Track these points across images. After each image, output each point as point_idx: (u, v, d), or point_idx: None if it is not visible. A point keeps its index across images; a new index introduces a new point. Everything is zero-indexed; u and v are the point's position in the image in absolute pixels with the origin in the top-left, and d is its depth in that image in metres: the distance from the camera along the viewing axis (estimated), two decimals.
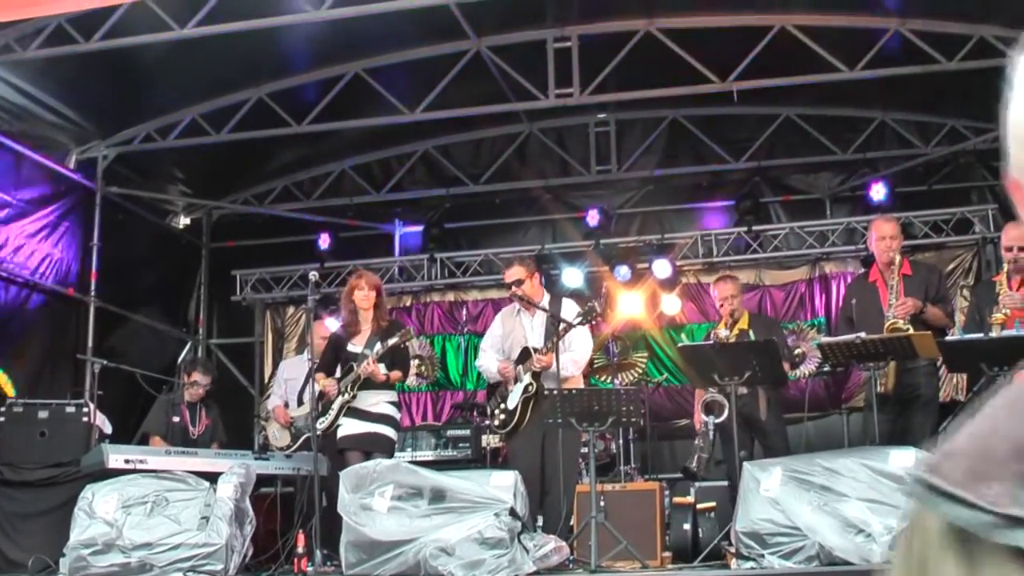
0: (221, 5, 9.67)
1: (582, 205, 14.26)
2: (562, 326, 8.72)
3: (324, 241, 14.54)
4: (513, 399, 8.95)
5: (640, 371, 12.45)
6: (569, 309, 9.04)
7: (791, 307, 13.38)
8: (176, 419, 10.58)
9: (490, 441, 11.14)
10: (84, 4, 9.15)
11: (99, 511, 8.08)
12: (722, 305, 9.63)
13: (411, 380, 13.31)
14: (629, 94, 11.99)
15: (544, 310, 9.00)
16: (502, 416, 9.03)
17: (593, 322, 9.21)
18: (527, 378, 8.90)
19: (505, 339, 9.32)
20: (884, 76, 11.20)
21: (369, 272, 9.91)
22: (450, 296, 14.57)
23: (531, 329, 9.15)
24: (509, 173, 14.26)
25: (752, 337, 9.28)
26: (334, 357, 9.36)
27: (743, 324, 9.57)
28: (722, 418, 8.93)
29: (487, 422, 9.68)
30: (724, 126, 13.68)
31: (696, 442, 9.64)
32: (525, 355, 9.00)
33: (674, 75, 11.53)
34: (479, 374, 11.54)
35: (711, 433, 9.19)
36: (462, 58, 11.77)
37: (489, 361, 9.33)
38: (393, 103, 12.05)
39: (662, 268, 13.25)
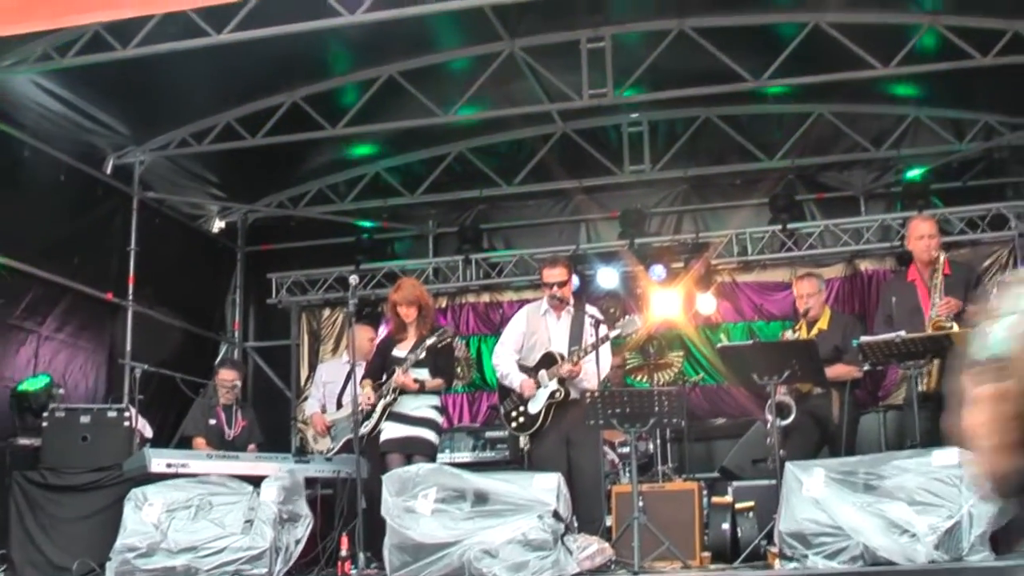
0: (256, 10, 9.70)
1: (616, 205, 14.23)
2: (601, 334, 8.61)
3: None
4: (537, 404, 8.90)
5: (676, 370, 12.44)
6: (596, 316, 8.93)
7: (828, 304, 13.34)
8: (212, 421, 10.66)
9: (528, 443, 11.05)
10: (123, 11, 9.18)
11: (144, 515, 8.17)
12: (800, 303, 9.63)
13: None
14: (662, 94, 11.96)
15: (593, 316, 8.82)
16: (521, 419, 9.01)
17: (633, 334, 9.13)
18: (553, 384, 8.84)
19: (528, 337, 9.21)
20: (918, 73, 11.14)
21: (409, 283, 9.64)
22: (485, 297, 14.55)
23: (556, 332, 9.07)
24: (543, 174, 14.18)
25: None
26: (381, 362, 9.35)
27: (823, 324, 9.48)
28: (788, 420, 8.84)
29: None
30: (757, 125, 13.62)
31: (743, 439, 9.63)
32: (548, 359, 8.93)
33: (707, 74, 11.50)
34: None
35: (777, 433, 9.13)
36: (496, 59, 11.79)
37: (510, 367, 9.16)
38: (427, 105, 12.08)
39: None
